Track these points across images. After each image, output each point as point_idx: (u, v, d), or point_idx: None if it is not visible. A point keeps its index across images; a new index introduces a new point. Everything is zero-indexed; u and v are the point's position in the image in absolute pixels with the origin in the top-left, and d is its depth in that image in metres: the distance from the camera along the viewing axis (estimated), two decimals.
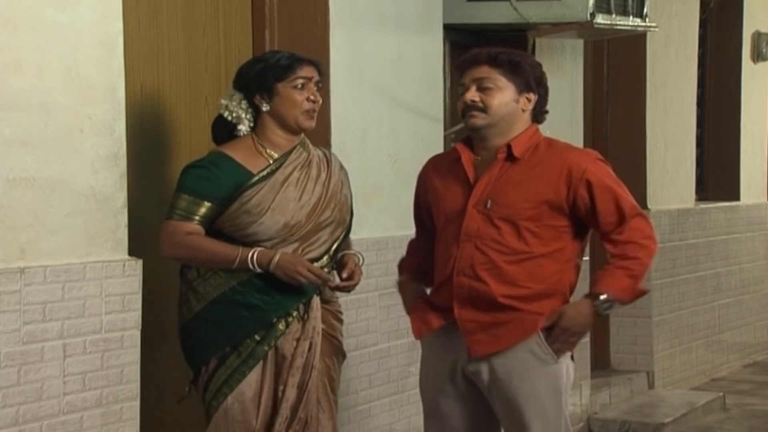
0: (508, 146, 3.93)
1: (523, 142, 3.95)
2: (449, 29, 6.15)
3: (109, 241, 4.10)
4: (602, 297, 3.86)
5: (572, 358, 4.01)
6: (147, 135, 4.60)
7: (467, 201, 3.95)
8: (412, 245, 4.32)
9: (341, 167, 4.30)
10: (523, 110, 3.96)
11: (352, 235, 4.34)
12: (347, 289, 4.21)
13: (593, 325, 3.97)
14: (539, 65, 4.06)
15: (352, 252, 4.28)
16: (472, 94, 3.93)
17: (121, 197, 4.14)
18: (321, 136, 5.02)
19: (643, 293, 3.93)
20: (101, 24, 4.07)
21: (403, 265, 4.32)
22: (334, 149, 5.11)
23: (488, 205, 3.91)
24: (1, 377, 3.74)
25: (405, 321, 5.51)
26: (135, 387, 4.18)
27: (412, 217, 4.31)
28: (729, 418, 7.75)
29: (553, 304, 3.92)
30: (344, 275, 4.18)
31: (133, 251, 4.17)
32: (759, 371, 9.40)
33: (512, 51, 4.03)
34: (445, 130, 6.00)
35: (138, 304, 4.18)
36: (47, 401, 3.88)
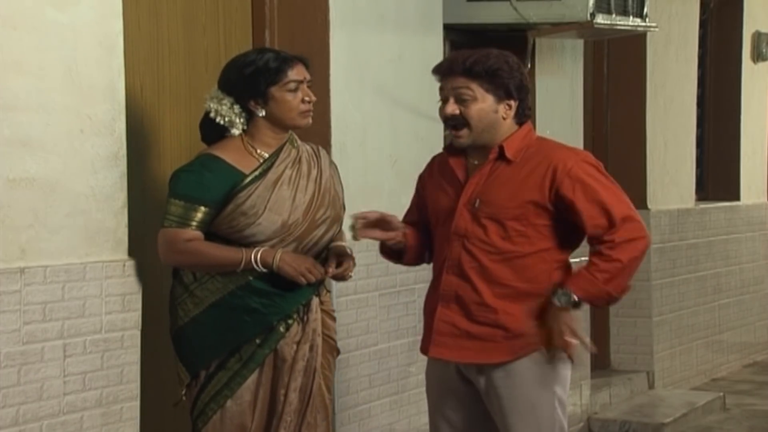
0: (501, 147, 3.91)
1: (515, 143, 3.92)
2: (449, 29, 6.15)
3: (109, 241, 4.09)
4: (563, 291, 3.78)
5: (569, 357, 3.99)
6: (147, 135, 4.60)
7: (458, 200, 3.95)
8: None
9: (331, 162, 4.27)
10: (504, 118, 3.91)
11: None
12: (342, 278, 4.18)
13: (576, 318, 3.84)
14: (518, 66, 3.95)
15: (340, 243, 4.24)
16: (452, 108, 3.91)
17: (121, 197, 4.14)
18: (321, 135, 5.02)
19: (613, 296, 3.81)
20: (101, 24, 4.07)
21: None
22: (334, 149, 5.12)
23: (476, 205, 3.91)
24: (1, 377, 3.74)
25: (405, 321, 5.54)
26: (135, 387, 4.18)
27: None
28: (729, 418, 7.74)
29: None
30: (331, 265, 4.09)
31: (133, 251, 4.17)
32: (759, 371, 9.39)
33: (488, 56, 3.90)
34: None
35: (138, 304, 4.19)
36: (47, 401, 3.88)
